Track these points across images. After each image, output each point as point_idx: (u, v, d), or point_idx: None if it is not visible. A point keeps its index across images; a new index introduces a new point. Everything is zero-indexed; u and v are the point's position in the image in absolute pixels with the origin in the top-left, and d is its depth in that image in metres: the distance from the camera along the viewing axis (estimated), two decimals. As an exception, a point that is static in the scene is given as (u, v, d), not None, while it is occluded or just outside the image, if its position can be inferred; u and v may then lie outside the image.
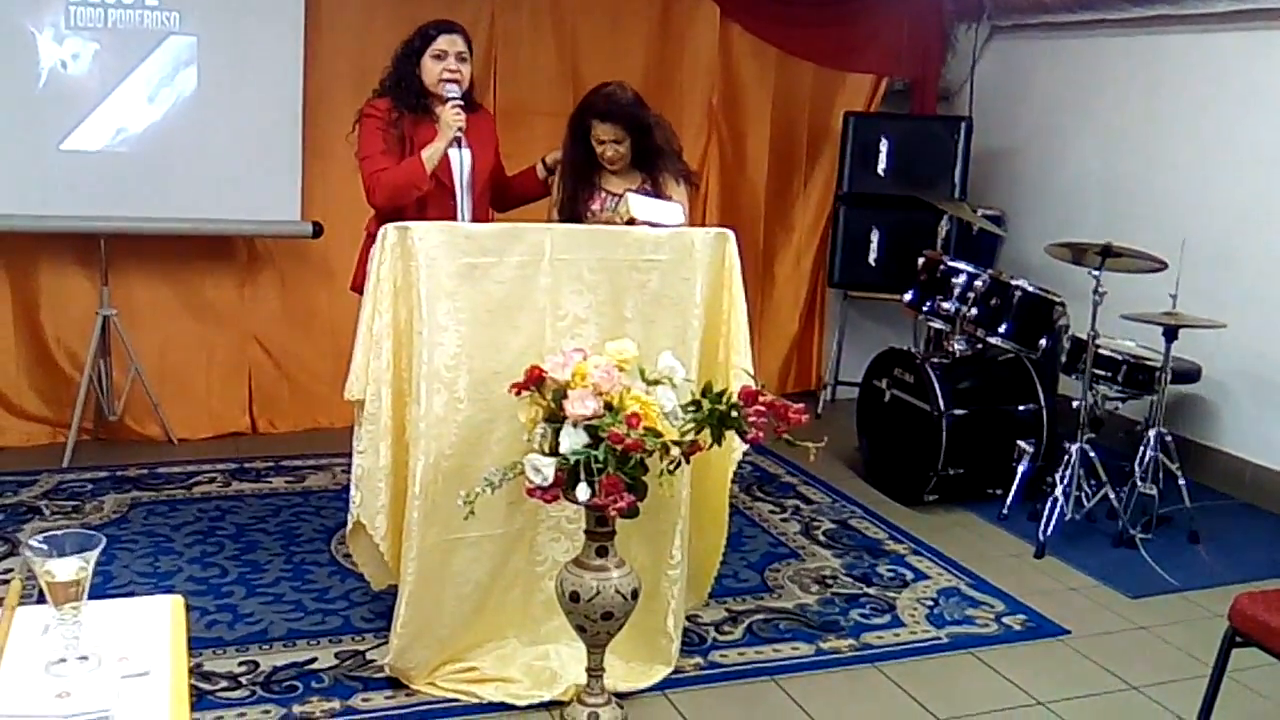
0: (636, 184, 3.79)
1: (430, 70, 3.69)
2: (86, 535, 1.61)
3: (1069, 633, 3.68)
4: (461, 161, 3.72)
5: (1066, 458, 4.38)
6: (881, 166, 5.89)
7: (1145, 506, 4.39)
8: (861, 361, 5.30)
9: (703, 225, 4.39)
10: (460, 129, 3.62)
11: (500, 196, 4.07)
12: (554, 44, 5.64)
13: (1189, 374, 4.74)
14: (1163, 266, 4.30)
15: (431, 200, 3.65)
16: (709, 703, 3.18)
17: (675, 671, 3.27)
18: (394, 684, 3.14)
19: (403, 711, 3.04)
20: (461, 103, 3.65)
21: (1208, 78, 5.11)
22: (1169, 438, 4.43)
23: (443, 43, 3.69)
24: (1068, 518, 4.33)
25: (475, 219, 3.73)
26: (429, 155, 3.60)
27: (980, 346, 4.90)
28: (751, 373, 3.12)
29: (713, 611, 3.69)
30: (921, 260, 5.03)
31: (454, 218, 3.68)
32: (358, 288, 3.76)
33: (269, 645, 3.36)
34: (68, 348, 5.11)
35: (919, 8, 6.23)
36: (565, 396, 2.75)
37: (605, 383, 2.76)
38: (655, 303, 3.18)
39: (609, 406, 2.74)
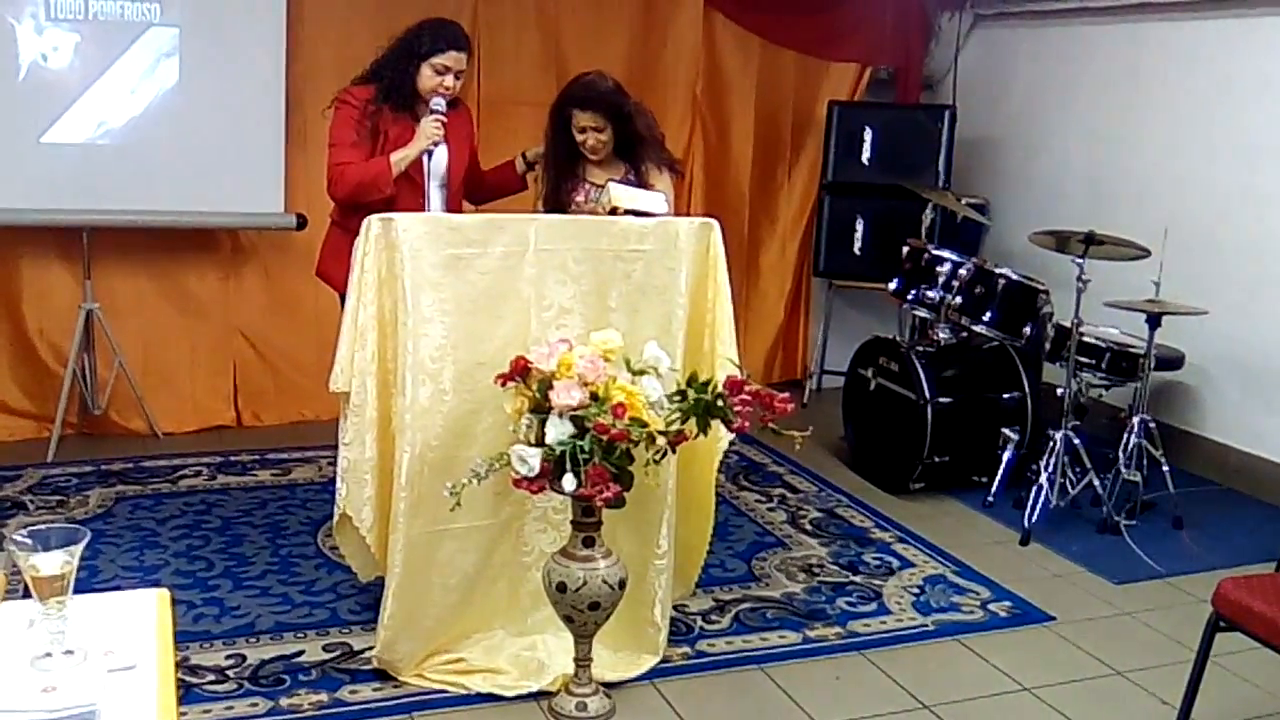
0: (619, 174, 3.77)
1: (427, 79, 3.59)
2: (71, 529, 1.61)
3: (1054, 619, 3.70)
4: (433, 159, 3.63)
5: (1051, 445, 4.40)
6: (866, 155, 5.89)
7: (1129, 493, 4.41)
8: (847, 350, 5.31)
9: (687, 215, 4.39)
10: (435, 143, 3.55)
11: (476, 188, 4.01)
12: (538, 33, 5.61)
13: (1172, 361, 4.76)
14: (1146, 254, 4.32)
15: (399, 196, 3.56)
16: (697, 692, 3.18)
17: (663, 661, 3.27)
18: (381, 676, 3.14)
19: (391, 703, 3.04)
20: (444, 117, 3.57)
21: (1189, 66, 5.12)
22: (1153, 424, 4.45)
23: (449, 59, 3.58)
24: (1052, 505, 4.35)
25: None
26: (398, 159, 3.52)
27: (965, 335, 4.91)
28: (737, 362, 3.12)
29: (700, 601, 3.70)
30: (906, 249, 5.04)
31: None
32: (323, 274, 3.78)
33: (256, 638, 3.35)
34: (51, 342, 5.08)
35: (902, -4, 6.23)
36: (550, 387, 2.75)
37: (590, 373, 2.76)
38: (640, 293, 3.17)
39: (594, 397, 2.74)
